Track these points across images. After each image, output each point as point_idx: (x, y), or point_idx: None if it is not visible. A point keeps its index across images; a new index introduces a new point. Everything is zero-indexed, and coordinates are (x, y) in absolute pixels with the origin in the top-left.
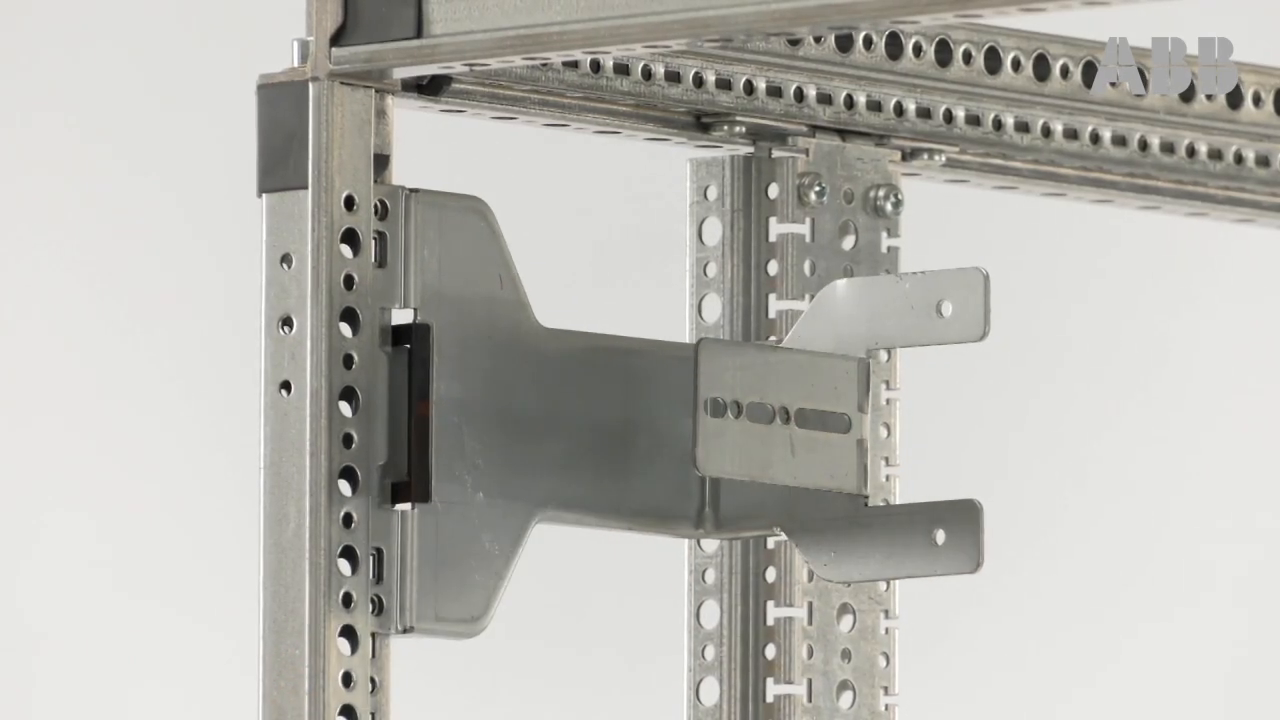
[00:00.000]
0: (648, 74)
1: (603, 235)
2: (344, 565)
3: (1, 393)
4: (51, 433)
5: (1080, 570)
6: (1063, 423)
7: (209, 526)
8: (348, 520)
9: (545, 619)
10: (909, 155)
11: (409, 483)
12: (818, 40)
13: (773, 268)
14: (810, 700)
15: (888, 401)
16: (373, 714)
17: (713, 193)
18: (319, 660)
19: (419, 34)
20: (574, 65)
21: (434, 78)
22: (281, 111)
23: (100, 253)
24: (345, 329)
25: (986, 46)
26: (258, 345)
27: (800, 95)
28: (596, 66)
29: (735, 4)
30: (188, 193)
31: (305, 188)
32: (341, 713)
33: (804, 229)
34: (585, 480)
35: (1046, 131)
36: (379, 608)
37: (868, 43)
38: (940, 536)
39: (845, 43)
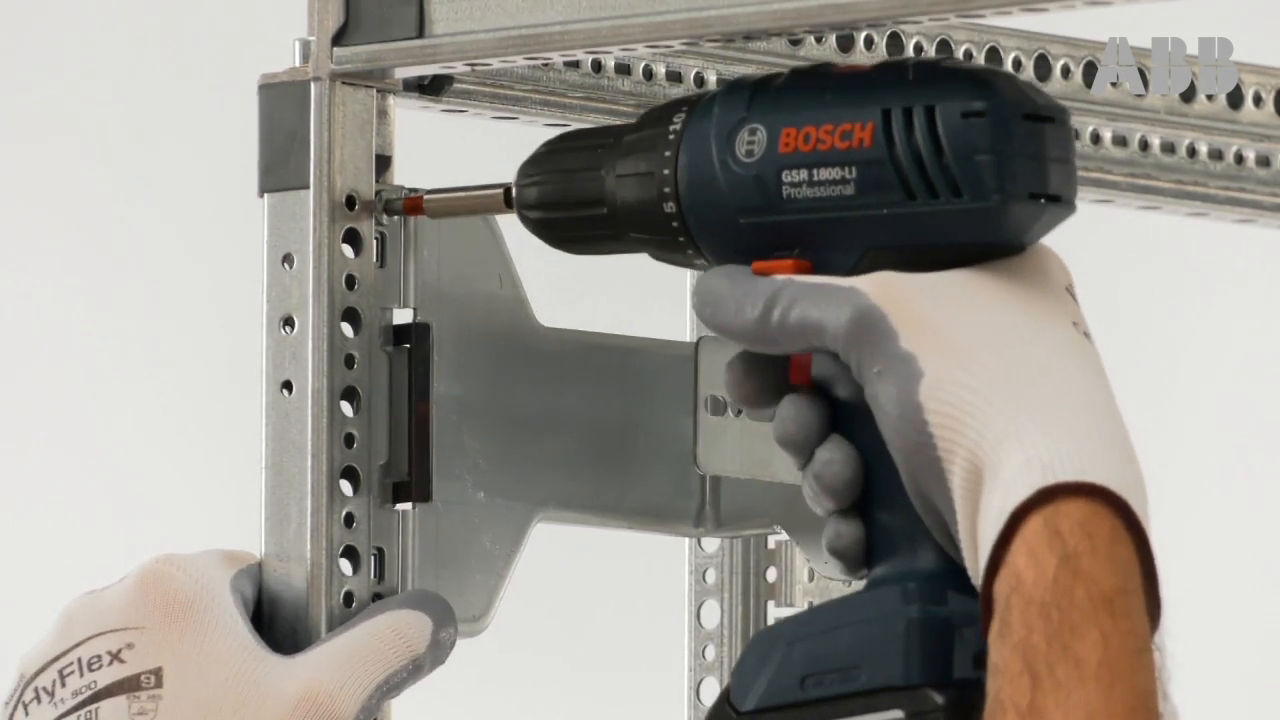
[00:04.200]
0: (649, 74)
1: None
2: (345, 565)
3: (1, 400)
4: (51, 435)
5: None
6: None
7: (209, 527)
8: (349, 520)
9: (546, 619)
10: None
11: (410, 482)
12: (818, 40)
13: None
14: None
15: None
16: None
17: None
18: None
19: (420, 34)
20: (575, 65)
21: (435, 77)
22: (283, 111)
23: (100, 253)
24: (347, 329)
25: (987, 47)
26: (258, 346)
27: None
28: (598, 66)
29: (736, 4)
30: (188, 193)
31: (306, 187)
32: None
33: None
34: (585, 479)
35: None
36: None
37: (869, 43)
38: None
39: (846, 43)
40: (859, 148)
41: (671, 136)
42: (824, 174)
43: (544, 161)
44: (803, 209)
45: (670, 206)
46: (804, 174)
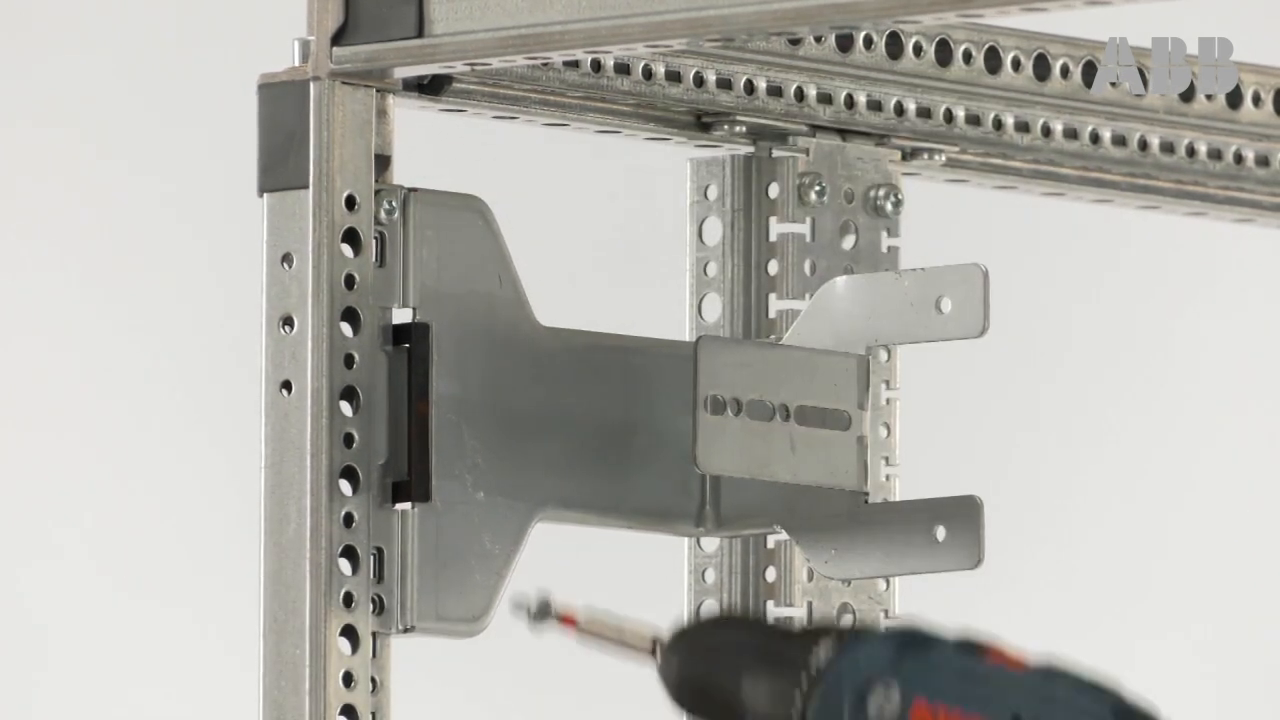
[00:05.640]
0: (648, 74)
1: (603, 235)
2: (345, 565)
3: (1, 395)
4: (51, 434)
5: (1081, 568)
6: (1063, 420)
7: (210, 527)
8: (348, 520)
9: None
10: (909, 155)
11: (409, 482)
12: (818, 40)
13: (773, 267)
14: None
15: (888, 401)
16: (373, 714)
17: (713, 192)
18: (320, 660)
19: (420, 33)
20: (575, 65)
21: (435, 77)
22: (282, 111)
23: (100, 252)
24: (346, 328)
25: (987, 46)
26: (257, 345)
27: (800, 95)
28: (597, 66)
29: (736, 4)
30: (188, 193)
31: (306, 187)
32: (342, 712)
33: (804, 229)
34: (585, 479)
35: (1046, 131)
36: (380, 607)
37: (868, 42)
38: (940, 533)
39: (845, 42)
40: None
41: (813, 673)
42: None
43: (693, 646)
44: None
45: None
46: None
